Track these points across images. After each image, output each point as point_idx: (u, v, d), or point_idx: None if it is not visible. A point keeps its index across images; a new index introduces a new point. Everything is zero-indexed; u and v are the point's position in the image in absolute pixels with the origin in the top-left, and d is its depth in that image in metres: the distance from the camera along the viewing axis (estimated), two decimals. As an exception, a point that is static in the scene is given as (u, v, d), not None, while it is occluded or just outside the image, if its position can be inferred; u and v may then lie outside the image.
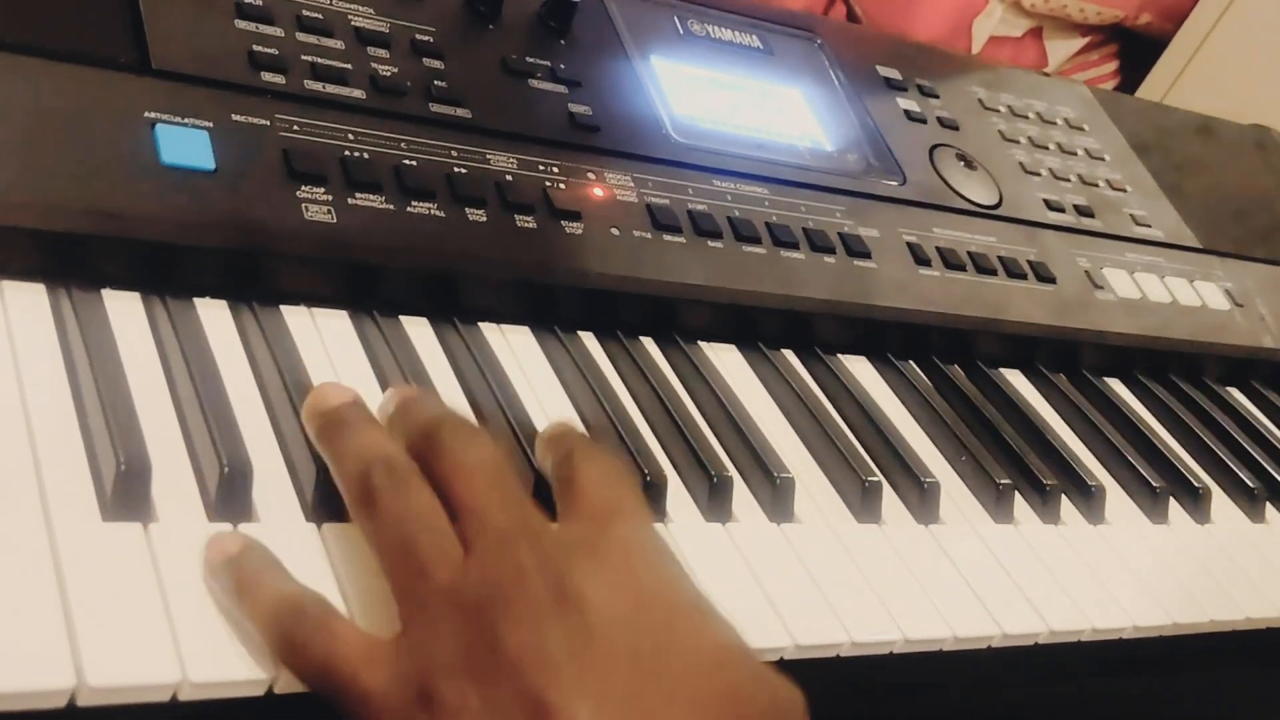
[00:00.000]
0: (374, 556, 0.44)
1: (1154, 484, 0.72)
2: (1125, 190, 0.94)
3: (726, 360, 0.68)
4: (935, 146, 0.85)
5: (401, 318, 0.60)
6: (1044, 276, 0.81)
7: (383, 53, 0.65)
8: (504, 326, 0.62)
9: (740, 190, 0.72)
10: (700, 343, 0.68)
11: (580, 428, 0.51)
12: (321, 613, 0.42)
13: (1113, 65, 1.57)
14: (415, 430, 0.46)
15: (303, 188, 0.57)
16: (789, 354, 0.71)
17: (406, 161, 0.61)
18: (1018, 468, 0.68)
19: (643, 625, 0.41)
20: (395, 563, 0.42)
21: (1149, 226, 0.92)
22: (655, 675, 0.40)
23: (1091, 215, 0.89)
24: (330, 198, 0.57)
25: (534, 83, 0.70)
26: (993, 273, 0.79)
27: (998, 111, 0.92)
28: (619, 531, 0.44)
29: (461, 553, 0.42)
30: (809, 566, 0.55)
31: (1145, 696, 0.68)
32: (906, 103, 0.87)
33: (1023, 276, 0.80)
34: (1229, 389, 0.90)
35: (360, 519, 0.44)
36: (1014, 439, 0.71)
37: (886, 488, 0.63)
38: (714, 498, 0.56)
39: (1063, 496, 0.68)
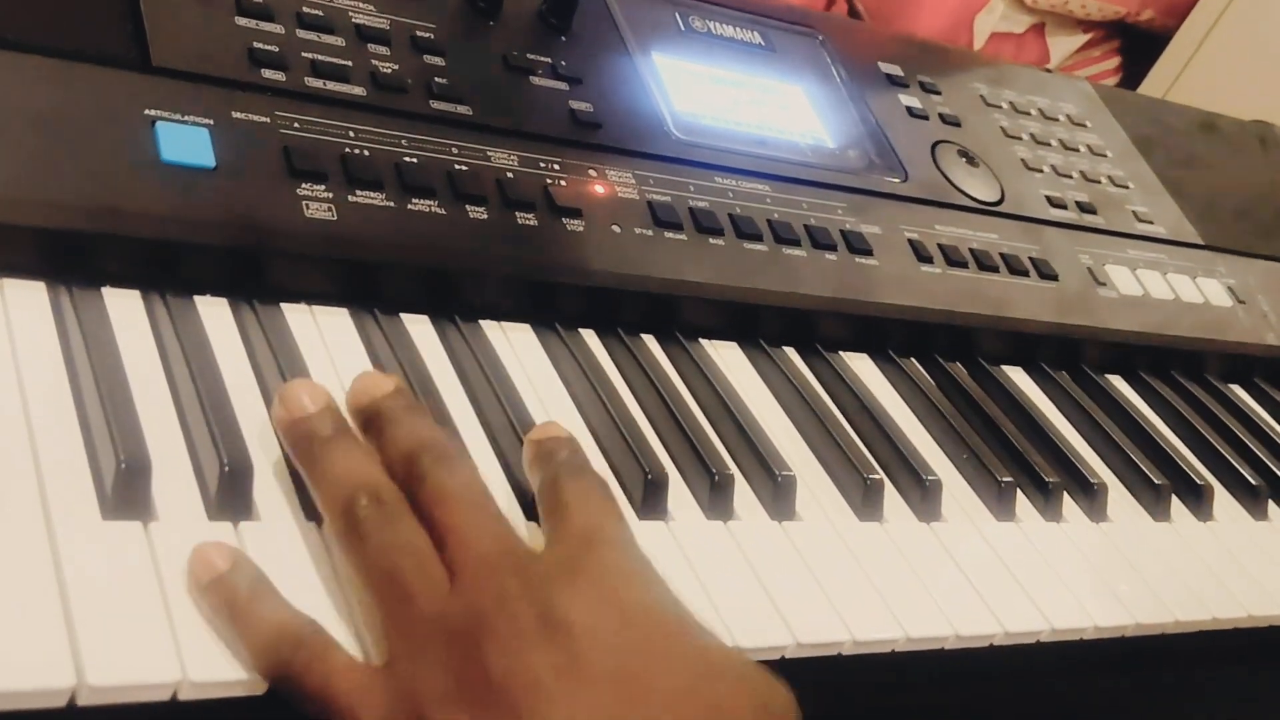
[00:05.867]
0: (361, 585, 0.44)
1: (1156, 481, 0.72)
2: (1127, 187, 0.94)
3: (728, 358, 0.68)
4: (937, 143, 0.85)
5: (402, 315, 0.59)
6: (1046, 273, 0.81)
7: (383, 50, 0.65)
8: (505, 324, 0.62)
9: (742, 187, 0.72)
10: (702, 340, 0.68)
11: (568, 432, 0.51)
12: (319, 644, 0.42)
13: (1115, 61, 1.57)
14: (396, 453, 0.46)
15: (303, 185, 0.57)
16: (790, 351, 0.71)
17: (407, 159, 0.61)
18: (1020, 465, 0.68)
19: (627, 645, 0.41)
20: (382, 592, 0.43)
21: (1151, 223, 0.92)
22: (642, 693, 0.40)
23: (1094, 212, 0.89)
24: (331, 195, 0.57)
25: (535, 79, 0.70)
26: (995, 269, 0.79)
27: (1000, 108, 0.92)
28: (600, 553, 0.45)
29: (447, 580, 0.43)
30: (810, 564, 0.55)
31: (1146, 694, 0.68)
32: (908, 99, 0.87)
33: (1025, 273, 0.80)
34: (1231, 386, 0.90)
35: (345, 548, 0.44)
36: (1016, 436, 0.70)
37: (888, 485, 0.63)
38: (715, 495, 0.56)
39: (1065, 494, 0.68)
